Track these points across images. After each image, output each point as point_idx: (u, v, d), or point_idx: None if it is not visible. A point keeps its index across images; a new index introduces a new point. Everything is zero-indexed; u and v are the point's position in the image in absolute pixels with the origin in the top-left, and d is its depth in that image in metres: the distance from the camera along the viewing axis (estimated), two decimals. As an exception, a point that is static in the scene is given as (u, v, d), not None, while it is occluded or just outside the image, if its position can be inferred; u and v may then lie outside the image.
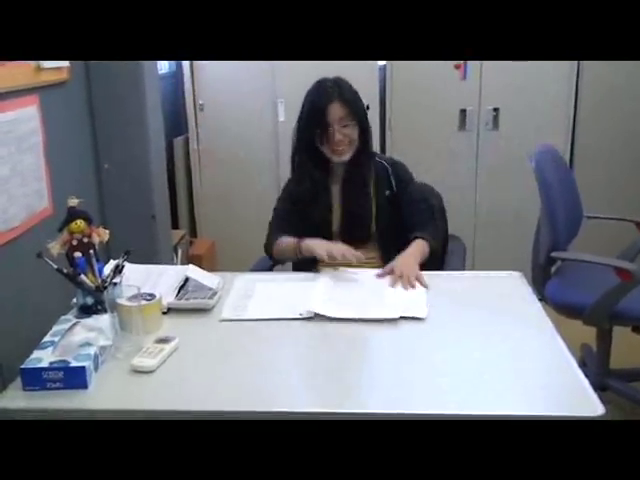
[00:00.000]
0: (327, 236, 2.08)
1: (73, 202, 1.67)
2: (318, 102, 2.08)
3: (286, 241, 2.08)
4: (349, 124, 2.07)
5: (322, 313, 1.67)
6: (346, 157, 2.11)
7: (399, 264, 1.92)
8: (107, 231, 1.72)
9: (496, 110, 3.66)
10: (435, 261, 2.09)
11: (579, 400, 1.28)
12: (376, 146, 3.70)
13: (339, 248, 1.94)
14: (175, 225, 3.71)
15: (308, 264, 2.05)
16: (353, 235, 2.09)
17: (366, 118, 2.15)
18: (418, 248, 2.01)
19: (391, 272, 1.90)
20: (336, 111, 2.05)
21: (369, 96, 3.69)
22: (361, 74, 3.61)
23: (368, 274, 1.94)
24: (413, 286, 1.84)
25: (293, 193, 2.20)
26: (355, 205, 2.14)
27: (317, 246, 1.96)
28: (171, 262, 3.00)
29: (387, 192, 2.17)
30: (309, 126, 2.10)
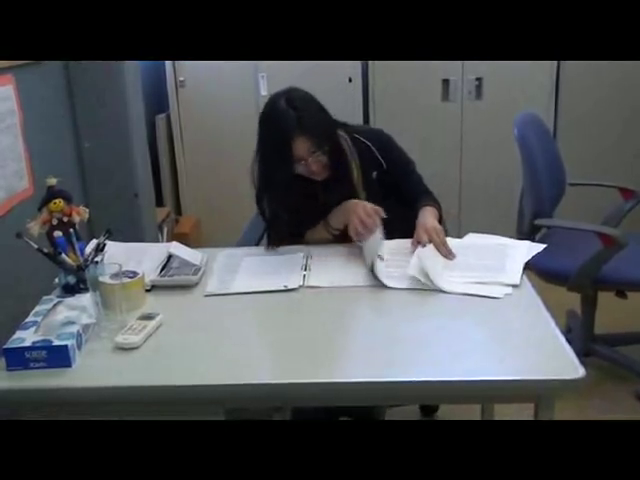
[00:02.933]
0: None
1: (51, 181, 1.65)
2: (280, 142, 1.84)
3: (314, 231, 2.02)
4: (318, 151, 1.86)
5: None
6: (324, 176, 1.94)
7: (426, 229, 1.83)
8: (87, 210, 1.71)
9: (479, 80, 3.65)
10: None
11: (561, 363, 1.30)
12: (359, 119, 3.69)
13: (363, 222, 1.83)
14: (160, 203, 3.69)
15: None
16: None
17: (332, 132, 1.93)
18: (433, 212, 1.94)
19: (419, 240, 1.82)
20: (302, 146, 1.84)
21: (351, 68, 3.68)
22: (342, 46, 3.59)
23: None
24: (450, 252, 1.79)
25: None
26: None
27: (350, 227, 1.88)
28: (156, 240, 3.00)
29: (375, 173, 2.02)
30: (278, 167, 1.88)
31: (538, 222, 2.53)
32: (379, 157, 2.02)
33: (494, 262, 1.75)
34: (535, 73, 3.62)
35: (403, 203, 2.01)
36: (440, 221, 1.96)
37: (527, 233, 2.60)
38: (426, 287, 1.64)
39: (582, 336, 2.69)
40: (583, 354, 2.60)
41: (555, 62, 3.58)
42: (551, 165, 2.68)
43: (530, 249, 1.82)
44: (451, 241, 1.84)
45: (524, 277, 1.70)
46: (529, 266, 2.15)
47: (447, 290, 1.62)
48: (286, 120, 1.84)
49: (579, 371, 1.26)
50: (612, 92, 3.63)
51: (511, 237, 1.93)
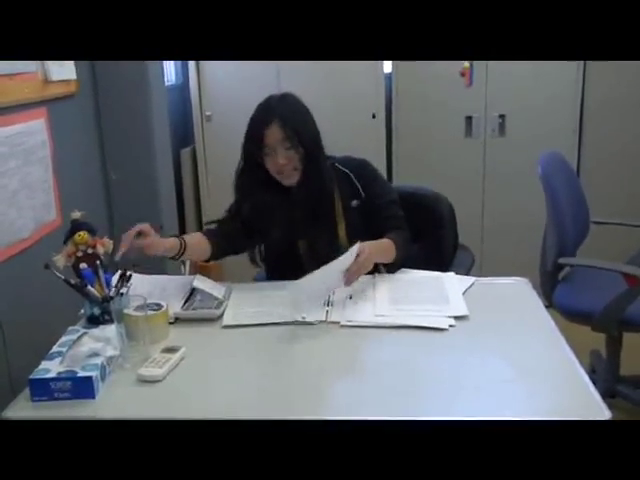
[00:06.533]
0: (295, 258, 2.00)
1: (76, 215, 1.69)
2: (256, 123, 1.93)
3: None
4: (291, 147, 1.90)
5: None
6: (293, 180, 1.96)
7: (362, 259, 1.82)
8: (111, 241, 1.74)
9: (502, 117, 3.67)
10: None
11: (585, 405, 1.28)
12: (382, 155, 3.72)
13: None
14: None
15: None
16: (321, 259, 1.79)
17: (312, 140, 1.95)
18: (381, 244, 1.95)
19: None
20: (275, 133, 1.89)
21: (375, 104, 3.71)
22: (367, 82, 3.64)
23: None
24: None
25: (247, 215, 2.06)
26: (318, 233, 1.99)
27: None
28: (179, 273, 3.01)
29: (354, 202, 2.02)
30: (250, 148, 1.96)
31: (562, 261, 2.52)
32: (359, 187, 2.03)
33: (436, 294, 1.82)
34: (558, 110, 3.63)
35: (380, 234, 2.00)
36: (394, 262, 1.98)
37: (550, 271, 2.59)
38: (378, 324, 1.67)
39: (607, 377, 2.65)
40: (608, 395, 2.56)
41: (579, 99, 3.59)
42: (575, 204, 2.68)
43: (462, 281, 1.91)
44: (387, 276, 1.95)
45: (548, 316, 1.69)
46: (553, 305, 2.14)
47: (394, 324, 1.66)
48: (270, 108, 1.92)
49: (605, 413, 1.24)
50: (636, 130, 3.62)
51: (534, 275, 1.92)
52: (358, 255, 1.80)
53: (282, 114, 1.90)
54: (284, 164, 1.92)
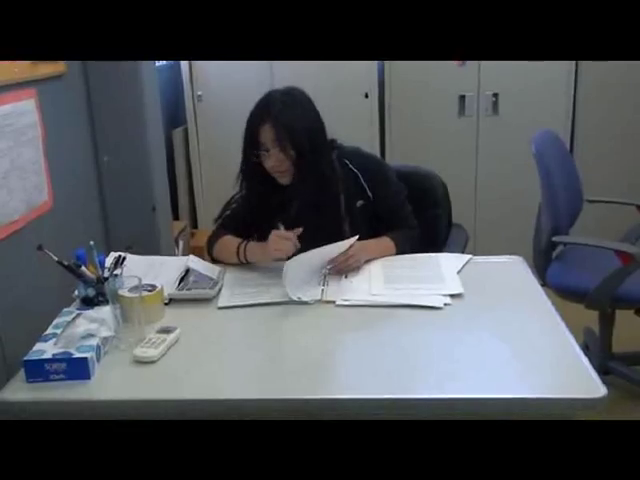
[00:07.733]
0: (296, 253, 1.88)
1: None
2: (251, 120, 1.90)
3: (229, 241, 1.98)
4: (282, 149, 1.85)
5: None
6: (286, 180, 1.93)
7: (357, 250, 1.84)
8: None
9: (495, 95, 3.65)
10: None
11: (581, 382, 1.29)
12: (375, 134, 3.70)
13: (281, 249, 1.79)
14: (176, 217, 3.71)
15: None
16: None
17: (307, 143, 1.87)
18: (380, 243, 1.96)
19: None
20: (267, 133, 1.85)
21: (368, 84, 3.69)
22: (359, 62, 3.61)
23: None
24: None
25: (247, 208, 2.05)
26: (319, 229, 1.91)
27: (262, 258, 1.88)
28: (172, 254, 3.00)
29: (360, 202, 1.98)
30: (245, 145, 1.93)
31: (556, 239, 2.52)
32: (367, 188, 1.99)
33: (431, 273, 1.82)
34: (552, 88, 3.62)
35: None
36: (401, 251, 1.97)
37: (544, 250, 2.59)
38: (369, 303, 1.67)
39: (600, 354, 2.67)
40: (602, 372, 2.58)
41: (572, 77, 3.58)
42: (568, 182, 2.68)
43: (458, 259, 1.91)
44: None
45: (543, 294, 1.69)
46: (547, 284, 2.13)
47: (390, 303, 1.65)
48: (267, 105, 1.88)
49: (600, 390, 1.25)
50: (629, 109, 3.62)
51: (528, 254, 1.93)
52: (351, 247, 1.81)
53: (278, 113, 1.85)
54: (274, 165, 1.89)
